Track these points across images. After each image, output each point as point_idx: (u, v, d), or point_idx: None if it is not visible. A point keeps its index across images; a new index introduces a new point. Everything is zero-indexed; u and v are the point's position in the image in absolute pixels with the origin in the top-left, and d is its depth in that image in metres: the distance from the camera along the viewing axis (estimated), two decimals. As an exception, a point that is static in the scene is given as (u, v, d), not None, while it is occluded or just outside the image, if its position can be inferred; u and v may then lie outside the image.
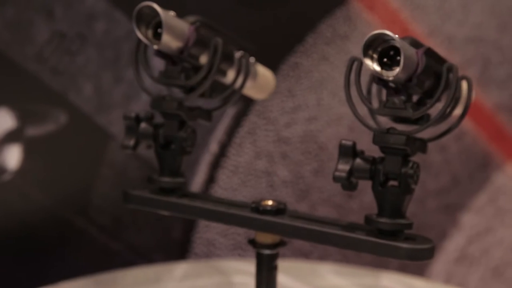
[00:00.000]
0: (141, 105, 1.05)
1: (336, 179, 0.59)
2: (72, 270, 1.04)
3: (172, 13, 0.65)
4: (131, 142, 0.69)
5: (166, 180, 0.69)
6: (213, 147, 1.09)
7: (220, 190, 1.10)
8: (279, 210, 0.65)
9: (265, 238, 0.67)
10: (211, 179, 1.09)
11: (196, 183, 1.09)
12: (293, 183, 1.09)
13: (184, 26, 0.64)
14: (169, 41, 0.63)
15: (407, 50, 0.55)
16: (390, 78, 0.56)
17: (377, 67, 0.56)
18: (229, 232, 1.11)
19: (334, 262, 1.12)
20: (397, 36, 0.55)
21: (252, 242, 0.68)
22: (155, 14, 0.62)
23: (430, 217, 1.17)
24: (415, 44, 0.58)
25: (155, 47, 0.63)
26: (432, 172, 1.14)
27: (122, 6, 1.02)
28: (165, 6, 0.63)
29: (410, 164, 0.58)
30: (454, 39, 1.13)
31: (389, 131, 0.58)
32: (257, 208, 0.65)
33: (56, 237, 1.06)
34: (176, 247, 1.11)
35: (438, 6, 1.12)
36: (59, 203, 1.05)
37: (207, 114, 0.71)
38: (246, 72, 0.69)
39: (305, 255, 1.13)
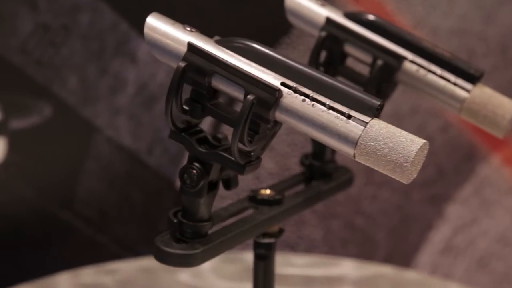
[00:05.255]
0: (126, 96, 1.04)
1: None
2: (57, 264, 1.03)
3: None
4: None
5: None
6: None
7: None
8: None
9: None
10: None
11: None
12: (280, 175, 1.09)
13: None
14: None
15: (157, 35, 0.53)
16: None
17: None
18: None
19: (320, 254, 1.12)
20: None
21: None
22: None
23: (416, 209, 1.17)
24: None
25: None
26: (418, 164, 1.14)
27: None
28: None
29: (188, 166, 0.55)
30: (439, 31, 1.13)
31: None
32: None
33: (41, 230, 1.05)
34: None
35: (423, -2, 1.12)
36: (44, 196, 1.04)
37: None
38: None
39: (292, 247, 1.13)
